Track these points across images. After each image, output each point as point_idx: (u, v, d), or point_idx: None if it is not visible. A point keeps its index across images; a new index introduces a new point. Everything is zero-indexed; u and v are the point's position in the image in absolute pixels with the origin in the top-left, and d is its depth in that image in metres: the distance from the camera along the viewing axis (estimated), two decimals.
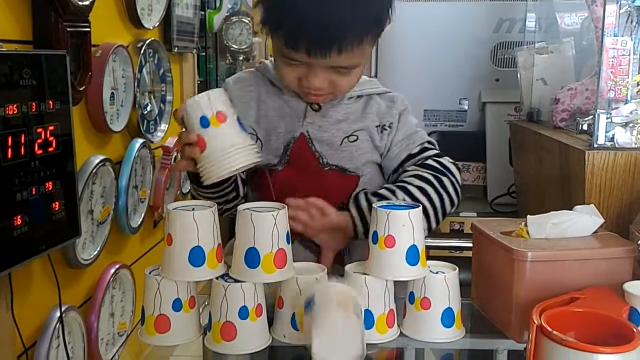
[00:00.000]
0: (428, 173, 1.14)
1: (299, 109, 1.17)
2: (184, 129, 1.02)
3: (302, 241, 1.15)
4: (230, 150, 0.98)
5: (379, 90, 1.21)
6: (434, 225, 1.14)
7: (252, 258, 0.91)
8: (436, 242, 1.73)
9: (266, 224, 0.91)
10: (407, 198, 1.11)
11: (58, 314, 1.41)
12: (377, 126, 1.18)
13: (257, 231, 0.91)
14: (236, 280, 0.92)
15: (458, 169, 1.19)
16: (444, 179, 1.15)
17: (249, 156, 1.00)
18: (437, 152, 1.19)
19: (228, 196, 1.16)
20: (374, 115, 1.19)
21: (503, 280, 0.95)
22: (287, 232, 0.93)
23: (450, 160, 1.18)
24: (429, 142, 1.20)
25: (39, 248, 1.28)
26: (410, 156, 1.18)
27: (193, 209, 0.93)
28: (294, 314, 0.93)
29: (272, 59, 1.17)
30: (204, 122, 0.98)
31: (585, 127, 1.34)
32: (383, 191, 1.13)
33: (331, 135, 1.17)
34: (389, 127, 1.19)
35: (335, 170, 1.16)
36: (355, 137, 1.17)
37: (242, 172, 1.12)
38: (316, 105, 1.17)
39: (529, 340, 0.79)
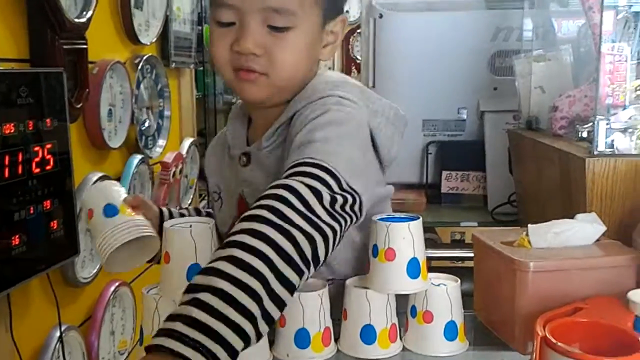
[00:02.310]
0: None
1: (235, 165, 1.09)
2: None
3: None
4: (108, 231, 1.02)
5: (304, 102, 0.99)
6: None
7: None
8: (437, 253, 1.73)
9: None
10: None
11: (58, 334, 1.40)
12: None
13: None
14: None
15: (317, 194, 0.80)
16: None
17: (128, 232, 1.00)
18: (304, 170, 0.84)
19: None
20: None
21: (505, 291, 0.94)
22: None
23: (309, 184, 0.81)
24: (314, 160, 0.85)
25: (38, 268, 1.27)
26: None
27: (190, 226, 0.93)
28: (296, 332, 0.92)
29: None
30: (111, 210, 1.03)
31: (584, 134, 1.33)
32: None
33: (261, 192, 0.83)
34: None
35: None
36: None
37: None
38: (244, 158, 1.06)
39: (533, 351, 0.78)
